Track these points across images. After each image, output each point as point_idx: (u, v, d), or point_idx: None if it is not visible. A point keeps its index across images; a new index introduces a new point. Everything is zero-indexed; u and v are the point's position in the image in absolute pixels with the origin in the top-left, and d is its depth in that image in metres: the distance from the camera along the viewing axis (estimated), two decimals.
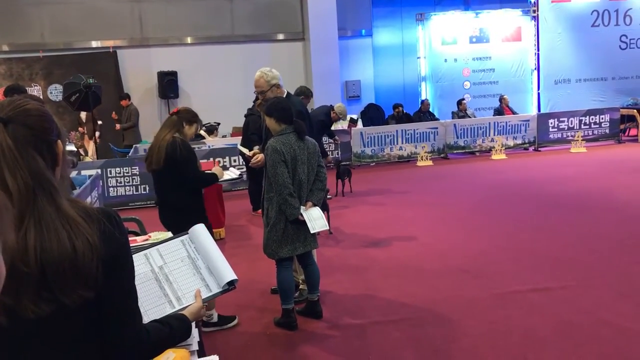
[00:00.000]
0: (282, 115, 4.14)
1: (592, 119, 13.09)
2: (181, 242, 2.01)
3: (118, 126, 11.96)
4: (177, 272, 1.90)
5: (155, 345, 1.58)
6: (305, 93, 7.64)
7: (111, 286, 1.40)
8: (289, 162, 4.05)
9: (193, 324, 2.24)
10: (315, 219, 4.14)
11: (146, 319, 1.64)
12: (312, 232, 4.12)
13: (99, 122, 11.37)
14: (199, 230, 2.05)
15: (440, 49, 14.29)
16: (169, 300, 1.83)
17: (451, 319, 4.26)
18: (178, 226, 4.01)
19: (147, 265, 1.89)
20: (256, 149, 4.75)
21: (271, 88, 4.74)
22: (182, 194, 4.07)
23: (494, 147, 12.24)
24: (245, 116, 8.06)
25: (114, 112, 12.22)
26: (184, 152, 3.99)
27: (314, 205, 4.19)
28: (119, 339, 1.45)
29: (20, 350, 1.35)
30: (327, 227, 4.22)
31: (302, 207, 4.13)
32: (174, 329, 1.65)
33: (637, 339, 3.79)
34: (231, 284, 1.92)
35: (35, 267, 1.29)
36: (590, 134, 13.00)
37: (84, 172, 7.95)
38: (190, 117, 4.15)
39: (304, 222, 4.10)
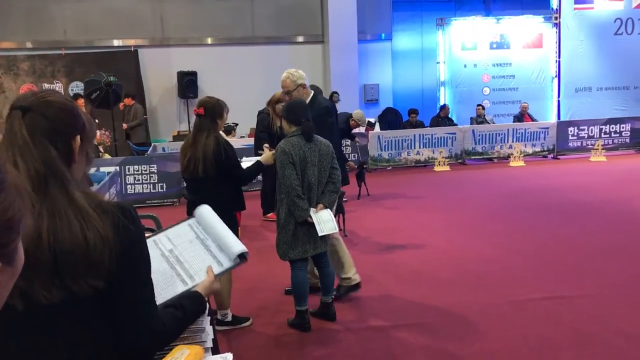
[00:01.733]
0: (291, 117, 4.17)
1: (613, 127, 12.95)
2: (188, 226, 2.03)
3: (125, 125, 11.67)
4: (187, 252, 1.92)
5: (171, 332, 1.59)
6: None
7: (125, 278, 1.42)
8: (298, 163, 4.06)
9: (208, 320, 2.28)
10: (324, 221, 4.12)
11: (160, 299, 1.65)
12: (320, 234, 4.10)
13: (96, 121, 11.27)
14: (204, 211, 2.08)
15: (460, 54, 14.24)
16: (181, 279, 1.83)
17: (464, 325, 4.24)
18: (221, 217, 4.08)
19: (157, 249, 1.91)
20: (265, 147, 4.71)
21: (297, 88, 4.79)
22: (230, 194, 4.11)
23: (512, 154, 12.16)
24: (258, 115, 7.93)
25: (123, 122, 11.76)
26: (229, 153, 4.03)
27: (325, 207, 4.17)
28: (135, 331, 1.46)
29: (34, 333, 1.37)
30: (336, 230, 4.21)
31: (313, 209, 4.10)
32: (187, 310, 1.66)
33: None
34: (242, 257, 1.92)
35: (48, 255, 1.31)
36: (611, 143, 12.86)
37: (102, 169, 8.04)
38: (218, 109, 4.08)
39: (313, 224, 4.09)
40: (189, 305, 1.69)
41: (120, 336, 1.45)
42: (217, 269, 1.88)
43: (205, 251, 1.94)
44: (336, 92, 12.54)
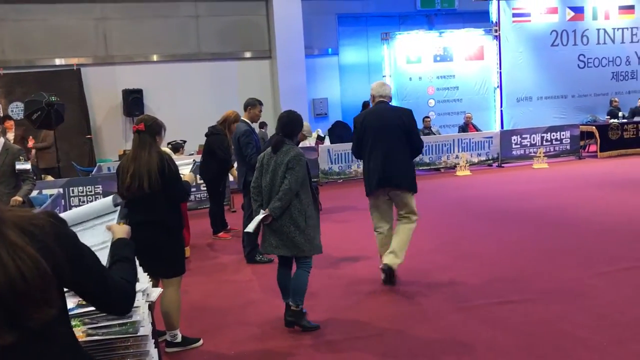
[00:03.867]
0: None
1: (554, 135, 13.43)
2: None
3: (31, 144, 10.59)
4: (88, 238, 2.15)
5: (133, 281, 1.81)
6: (250, 103, 6.82)
7: (83, 272, 1.54)
8: (261, 169, 4.50)
9: (152, 342, 2.27)
10: (252, 220, 4.45)
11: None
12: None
13: (30, 139, 10.55)
14: (66, 216, 2.33)
15: (405, 68, 14.50)
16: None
17: (415, 333, 4.28)
18: (166, 246, 4.03)
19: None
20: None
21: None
22: (175, 213, 4.11)
23: (458, 164, 12.43)
24: (207, 135, 7.63)
25: (30, 137, 10.75)
26: (173, 167, 4.00)
27: (265, 211, 4.37)
28: (111, 302, 1.67)
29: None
30: (251, 230, 4.43)
31: (262, 211, 4.39)
32: (129, 255, 1.93)
33: (596, 350, 3.87)
34: (116, 203, 2.40)
35: None
36: (552, 150, 13.32)
37: (45, 192, 7.81)
38: (157, 127, 4.07)
39: (266, 225, 4.41)
40: (128, 252, 1.95)
41: (100, 309, 1.75)
42: (115, 221, 2.30)
43: (95, 227, 2.36)
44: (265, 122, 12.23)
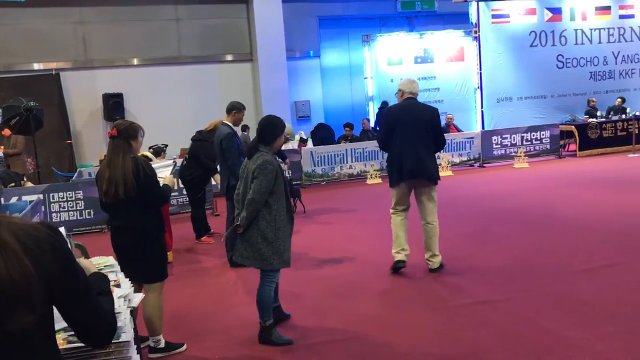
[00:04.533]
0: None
1: (534, 135, 13.57)
2: None
3: (1, 148, 10.40)
4: None
5: (112, 311, 1.78)
6: (236, 107, 6.72)
7: (72, 290, 1.52)
8: (241, 175, 4.41)
9: (134, 349, 2.25)
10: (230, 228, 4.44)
11: None
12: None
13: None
14: None
15: (386, 69, 14.57)
16: None
17: (397, 335, 4.29)
18: (147, 251, 3.99)
19: None
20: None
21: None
22: (154, 218, 4.06)
23: (440, 164, 12.49)
24: (194, 139, 7.64)
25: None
26: (148, 172, 3.95)
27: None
28: (94, 330, 1.62)
29: None
30: (225, 237, 4.50)
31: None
32: (106, 289, 1.91)
33: (576, 346, 3.91)
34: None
35: None
36: (532, 149, 13.46)
37: (25, 198, 7.70)
38: (132, 131, 4.00)
39: (239, 234, 4.27)
40: (106, 286, 1.94)
41: (82, 335, 1.63)
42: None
43: None
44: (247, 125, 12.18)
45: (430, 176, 5.70)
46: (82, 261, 2.14)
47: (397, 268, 5.73)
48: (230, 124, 6.65)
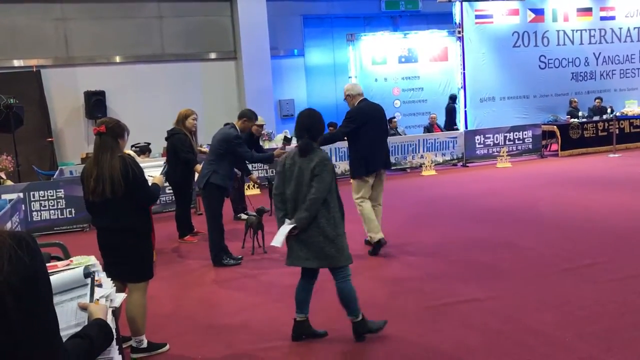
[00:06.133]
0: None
1: (516, 135, 13.68)
2: None
3: None
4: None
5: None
6: (246, 115, 6.72)
7: (22, 312, 1.35)
8: (283, 174, 4.17)
9: (116, 349, 2.20)
10: (278, 233, 4.10)
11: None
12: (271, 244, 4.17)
13: None
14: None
15: (370, 69, 14.59)
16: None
17: (382, 334, 4.29)
18: (133, 250, 3.94)
19: None
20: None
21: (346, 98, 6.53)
22: (142, 217, 4.02)
23: (424, 164, 12.55)
24: (169, 137, 7.49)
25: None
26: (136, 170, 3.88)
27: (290, 221, 4.09)
28: None
29: None
30: (279, 245, 4.12)
31: (288, 221, 4.09)
32: (94, 338, 1.64)
33: (559, 345, 3.94)
34: (87, 274, 2.08)
35: None
36: (515, 149, 13.57)
37: (4, 197, 7.58)
38: (119, 129, 3.93)
39: (292, 236, 4.08)
40: (96, 333, 1.67)
41: None
42: (88, 299, 1.99)
43: (63, 305, 1.98)
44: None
45: (390, 165, 6.90)
46: (92, 306, 1.92)
47: (381, 246, 6.29)
48: (238, 129, 6.60)
